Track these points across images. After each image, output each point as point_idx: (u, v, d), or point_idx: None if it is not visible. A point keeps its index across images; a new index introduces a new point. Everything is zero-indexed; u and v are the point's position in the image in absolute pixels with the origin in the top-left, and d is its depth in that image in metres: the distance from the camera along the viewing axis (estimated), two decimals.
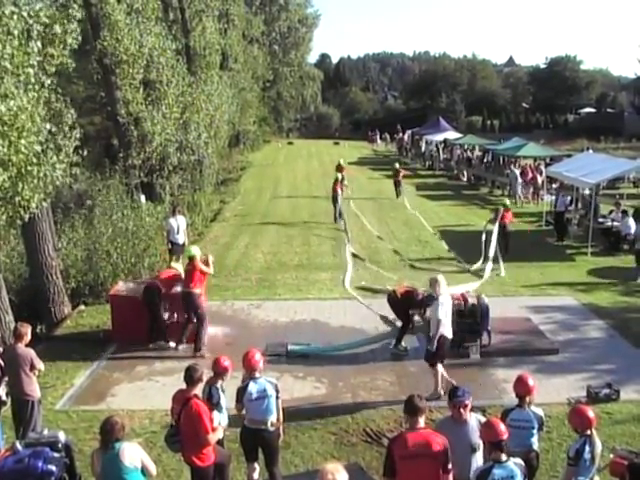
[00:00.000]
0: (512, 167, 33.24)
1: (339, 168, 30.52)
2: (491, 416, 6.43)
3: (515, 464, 5.88)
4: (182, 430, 7.13)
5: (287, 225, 25.76)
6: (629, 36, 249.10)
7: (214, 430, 7.20)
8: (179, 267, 13.84)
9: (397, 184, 31.67)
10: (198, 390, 7.37)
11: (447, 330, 10.51)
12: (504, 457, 5.85)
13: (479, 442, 6.38)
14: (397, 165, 33.44)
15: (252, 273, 18.72)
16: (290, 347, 12.56)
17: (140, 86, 23.68)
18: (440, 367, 10.59)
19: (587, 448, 6.28)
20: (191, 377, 7.31)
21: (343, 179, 27.40)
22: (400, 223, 25.91)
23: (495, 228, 20.44)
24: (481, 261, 19.08)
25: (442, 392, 10.38)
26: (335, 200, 25.87)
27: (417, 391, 6.57)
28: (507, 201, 23.67)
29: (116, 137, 26.37)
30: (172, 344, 12.89)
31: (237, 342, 12.85)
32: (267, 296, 16.29)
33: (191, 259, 12.69)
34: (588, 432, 6.38)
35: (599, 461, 6.50)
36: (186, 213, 23.57)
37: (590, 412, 6.50)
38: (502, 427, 6.03)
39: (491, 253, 19.31)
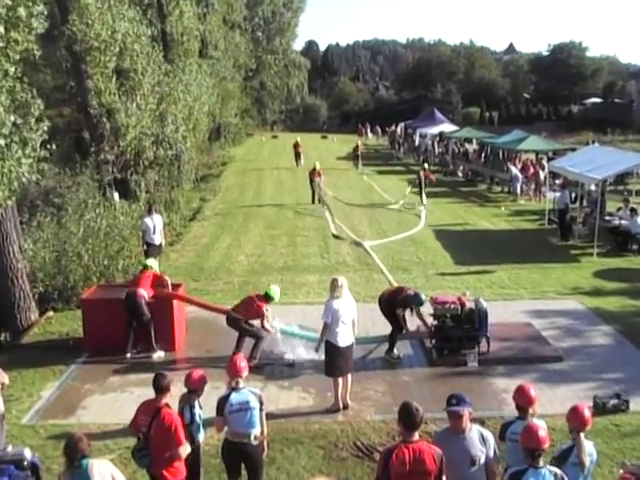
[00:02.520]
0: (509, 165, 33.37)
1: (296, 145, 43.00)
2: (530, 423, 6.42)
3: (550, 472, 5.94)
4: (152, 443, 7.09)
5: (271, 225, 25.74)
6: (639, 21, 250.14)
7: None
8: (154, 264, 13.82)
9: (356, 158, 43.22)
10: (168, 399, 7.32)
11: (341, 338, 10.43)
12: (541, 463, 5.96)
13: (480, 455, 6.39)
14: (358, 142, 46.01)
15: (234, 276, 18.69)
16: (280, 326, 12.75)
17: (113, 75, 23.60)
18: (340, 381, 10.59)
19: (574, 452, 6.37)
20: (159, 385, 7.27)
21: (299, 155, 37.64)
22: (392, 222, 25.96)
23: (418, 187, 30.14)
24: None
25: (341, 405, 10.58)
26: (313, 184, 30.20)
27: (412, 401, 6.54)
28: (426, 165, 33.25)
29: (87, 130, 26.29)
30: (155, 354, 12.88)
31: (218, 350, 12.84)
32: None
33: (269, 298, 12.55)
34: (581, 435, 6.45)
35: (592, 468, 6.56)
36: (163, 212, 23.51)
37: (587, 411, 6.58)
38: (543, 434, 6.06)
39: (424, 200, 29.47)
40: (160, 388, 7.27)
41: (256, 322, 12.56)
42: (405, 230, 24.32)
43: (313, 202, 30.07)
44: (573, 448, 6.40)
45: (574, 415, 6.59)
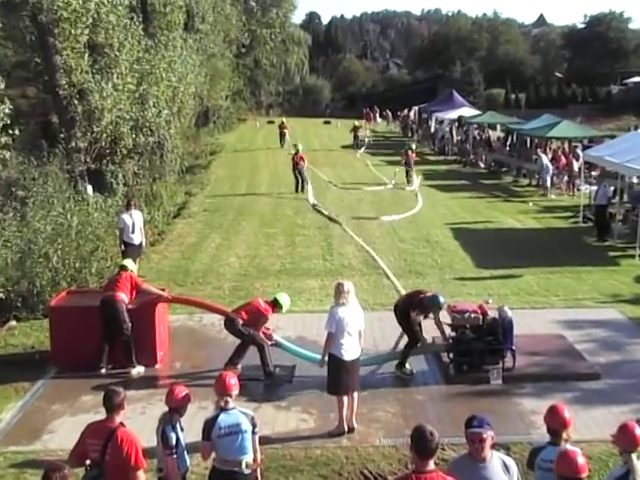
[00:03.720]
0: (539, 152, 33.28)
1: (282, 126, 49.05)
2: (567, 448, 6.39)
3: None
4: (108, 470, 7.02)
5: (267, 222, 25.76)
6: None
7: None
8: (131, 264, 13.78)
9: (356, 137, 49.65)
10: (122, 417, 7.25)
11: (347, 351, 10.38)
12: None
13: None
14: (356, 123, 52.46)
15: (224, 281, 18.68)
16: (277, 338, 12.78)
17: (85, 50, 23.56)
18: (345, 400, 10.53)
19: (630, 477, 6.35)
20: (112, 402, 7.18)
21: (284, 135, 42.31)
22: (405, 221, 25.93)
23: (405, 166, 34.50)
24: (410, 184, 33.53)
25: (346, 428, 10.51)
26: (297, 171, 31.68)
27: (426, 424, 6.51)
28: (413, 145, 37.91)
29: (56, 113, 26.24)
30: (135, 370, 12.86)
31: (206, 365, 12.85)
32: None
33: (276, 306, 12.70)
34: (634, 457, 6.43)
35: None
36: (143, 207, 23.47)
37: (638, 428, 6.60)
38: (582, 461, 6.04)
39: (414, 180, 33.90)
40: (113, 406, 7.17)
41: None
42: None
43: (297, 190, 31.43)
44: (628, 474, 6.38)
45: (624, 434, 6.58)
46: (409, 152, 34.49)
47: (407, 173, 34.03)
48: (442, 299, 12.45)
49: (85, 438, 7.26)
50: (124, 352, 12.82)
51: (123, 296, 12.91)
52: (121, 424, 7.16)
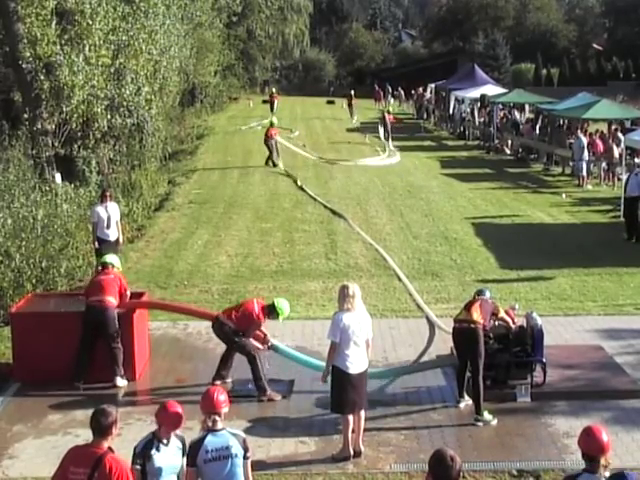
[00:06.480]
0: (579, 134, 33.03)
1: (272, 96, 59.36)
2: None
3: None
4: None
5: (262, 216, 25.76)
6: None
7: None
8: (116, 260, 13.75)
9: (350, 106, 57.82)
10: (110, 442, 7.10)
11: (352, 363, 10.30)
12: None
13: None
14: (352, 92, 60.15)
15: (213, 282, 18.68)
16: (273, 341, 12.73)
17: (53, 18, 23.53)
18: (350, 419, 10.47)
19: None
20: (101, 423, 6.97)
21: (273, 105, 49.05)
22: (419, 214, 25.93)
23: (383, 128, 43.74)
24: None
25: (352, 451, 10.45)
26: (268, 144, 35.47)
27: (446, 448, 6.48)
28: (390, 108, 50.20)
29: (18, 90, 26.25)
30: (122, 382, 12.85)
31: (191, 379, 12.84)
32: None
33: (273, 312, 12.57)
34: None
35: None
36: (120, 199, 23.47)
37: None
38: None
39: (390, 143, 41.62)
40: (101, 428, 6.96)
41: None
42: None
43: (267, 164, 35.41)
44: None
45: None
46: (386, 114, 44.58)
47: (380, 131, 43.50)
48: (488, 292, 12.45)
49: (67, 465, 7.00)
50: (111, 363, 12.75)
51: (113, 301, 12.86)
52: (110, 449, 6.96)
